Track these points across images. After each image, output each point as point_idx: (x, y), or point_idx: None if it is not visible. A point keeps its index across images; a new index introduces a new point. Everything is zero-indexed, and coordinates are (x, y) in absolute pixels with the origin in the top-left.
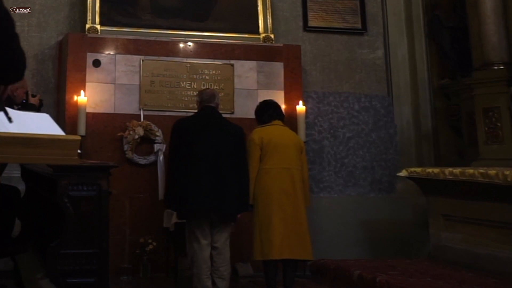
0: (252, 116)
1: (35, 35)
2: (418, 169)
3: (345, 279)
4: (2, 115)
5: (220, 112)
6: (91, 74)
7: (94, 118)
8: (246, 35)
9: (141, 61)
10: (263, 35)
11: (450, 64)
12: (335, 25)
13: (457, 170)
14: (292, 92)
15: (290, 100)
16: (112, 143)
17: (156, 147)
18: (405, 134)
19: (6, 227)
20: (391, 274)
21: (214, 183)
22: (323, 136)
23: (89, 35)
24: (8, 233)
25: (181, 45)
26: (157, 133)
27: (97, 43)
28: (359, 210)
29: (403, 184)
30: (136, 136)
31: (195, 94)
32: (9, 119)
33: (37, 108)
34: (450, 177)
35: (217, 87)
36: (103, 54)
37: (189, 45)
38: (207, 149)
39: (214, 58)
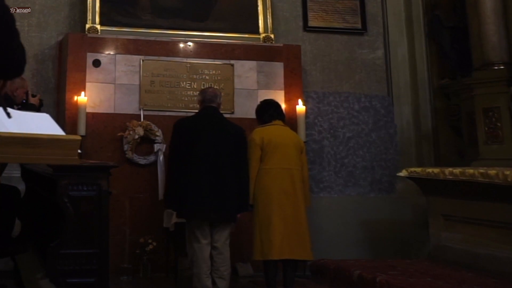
0: (252, 116)
1: (35, 35)
2: (418, 169)
3: (345, 279)
4: (2, 115)
5: (221, 112)
6: (91, 74)
7: (94, 118)
8: (246, 35)
9: (141, 61)
10: (263, 35)
11: (450, 64)
12: (335, 25)
13: (457, 170)
14: (292, 92)
15: (290, 100)
16: (112, 143)
17: (156, 147)
18: (405, 134)
19: (6, 227)
20: (391, 274)
21: (214, 183)
22: (323, 136)
23: (89, 35)
24: (8, 233)
25: (181, 45)
26: (157, 133)
27: (97, 43)
28: (359, 210)
29: (403, 184)
30: (136, 136)
31: (195, 94)
32: (8, 115)
33: (37, 108)
34: (450, 177)
35: (217, 87)
36: (103, 54)
37: (189, 45)
38: (207, 149)
39: (214, 58)
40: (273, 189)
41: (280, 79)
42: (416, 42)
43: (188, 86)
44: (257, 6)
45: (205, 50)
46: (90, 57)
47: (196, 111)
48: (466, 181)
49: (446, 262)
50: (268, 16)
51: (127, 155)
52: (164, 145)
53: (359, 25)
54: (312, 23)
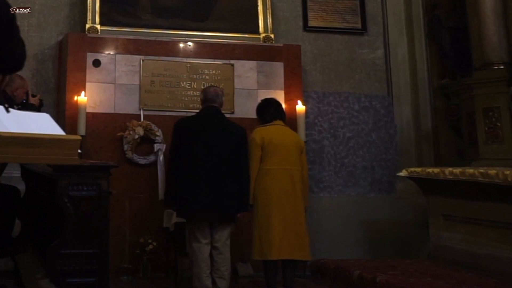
0: (252, 116)
1: (35, 35)
2: (418, 169)
3: (345, 279)
4: (2, 115)
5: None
6: (91, 74)
7: (94, 118)
8: (246, 35)
9: (141, 61)
10: (263, 35)
11: (450, 64)
12: (335, 25)
13: (457, 170)
14: (292, 92)
15: (290, 100)
16: (112, 143)
17: (156, 147)
18: (405, 134)
19: (6, 227)
20: (391, 274)
21: (214, 183)
22: (323, 136)
23: (89, 35)
24: (8, 233)
25: (181, 45)
26: (157, 133)
27: (97, 43)
28: (359, 210)
29: (403, 184)
30: (136, 136)
31: (195, 94)
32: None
33: (37, 108)
34: (450, 177)
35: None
36: (103, 54)
37: (189, 45)
38: (207, 149)
39: (214, 58)
40: (273, 189)
41: (280, 79)
42: (416, 42)
43: (188, 86)
44: (257, 6)
45: (205, 50)
46: (90, 57)
47: (197, 111)
48: (466, 181)
49: (446, 262)
50: (268, 16)
51: (127, 155)
52: (164, 145)
53: (359, 25)
54: (312, 23)
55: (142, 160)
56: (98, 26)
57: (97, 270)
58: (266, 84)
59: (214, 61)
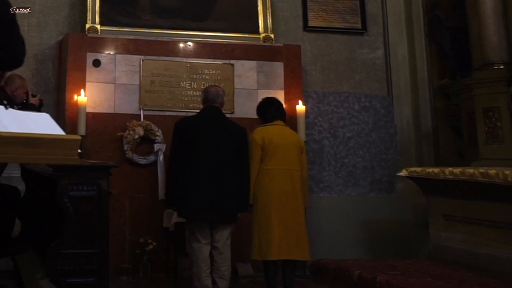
0: (252, 116)
1: (35, 35)
2: (418, 169)
3: (345, 279)
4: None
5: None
6: (91, 74)
7: (94, 118)
8: (246, 35)
9: (141, 61)
10: (263, 35)
11: (450, 64)
12: (335, 25)
13: (457, 170)
14: (292, 92)
15: (290, 100)
16: (112, 143)
17: (156, 147)
18: (405, 134)
19: (6, 227)
20: (391, 274)
21: (215, 183)
22: (323, 136)
23: (89, 35)
24: (8, 233)
25: (181, 45)
26: (157, 133)
27: (97, 43)
28: (359, 210)
29: (403, 184)
30: (136, 136)
31: (195, 94)
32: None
33: (37, 108)
34: (450, 176)
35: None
36: (103, 54)
37: (189, 45)
38: (208, 149)
39: (214, 58)
40: (273, 189)
41: (280, 79)
42: (416, 42)
43: (188, 86)
44: (257, 6)
45: (205, 50)
46: (90, 57)
47: (197, 111)
48: (466, 181)
49: (446, 262)
50: (268, 16)
51: (127, 155)
52: (164, 145)
53: (359, 25)
54: (312, 23)
55: (142, 160)
56: (98, 26)
57: (97, 270)
58: (266, 84)
59: (214, 61)
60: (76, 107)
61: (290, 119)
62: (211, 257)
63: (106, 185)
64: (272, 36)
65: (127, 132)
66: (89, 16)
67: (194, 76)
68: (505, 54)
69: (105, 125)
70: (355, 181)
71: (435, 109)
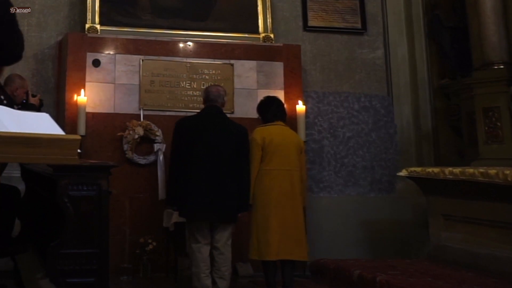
0: (252, 115)
1: (35, 35)
2: (418, 169)
3: (345, 279)
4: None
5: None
6: (91, 74)
7: (94, 118)
8: (246, 35)
9: (141, 61)
10: (263, 35)
11: (450, 64)
12: (335, 25)
13: (457, 170)
14: (292, 92)
15: (290, 100)
16: (112, 143)
17: (156, 147)
18: (405, 134)
19: (6, 227)
20: (391, 274)
21: (215, 183)
22: (323, 136)
23: (89, 35)
24: (8, 233)
25: (181, 45)
26: (157, 133)
27: (97, 43)
28: (359, 210)
29: (403, 184)
30: (136, 136)
31: (195, 94)
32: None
33: (37, 108)
34: (450, 176)
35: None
36: (103, 54)
37: (189, 45)
38: (208, 149)
39: (214, 58)
40: (273, 190)
41: (280, 79)
42: (416, 42)
43: (188, 86)
44: (257, 6)
45: (205, 50)
46: (90, 57)
47: (197, 110)
48: (466, 180)
49: (446, 262)
50: (268, 16)
51: (127, 155)
52: (164, 145)
53: (359, 25)
54: (312, 23)
55: (142, 160)
56: (98, 26)
57: (97, 270)
58: (266, 84)
59: (214, 61)
60: (76, 107)
61: (290, 119)
62: (211, 257)
63: (106, 185)
64: (272, 36)
65: (127, 132)
66: (89, 16)
67: (194, 76)
68: (505, 54)
69: (105, 125)
70: (355, 181)
71: (435, 109)
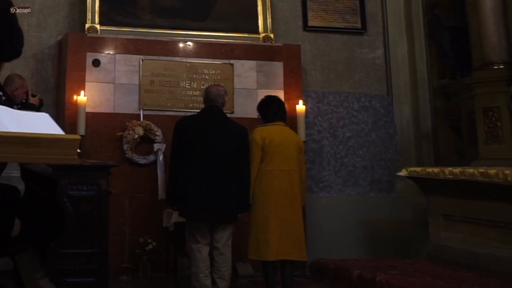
0: (252, 115)
1: (35, 34)
2: (418, 169)
3: (345, 279)
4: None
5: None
6: (91, 73)
7: (93, 118)
8: (246, 35)
9: (140, 60)
10: (263, 35)
11: (450, 64)
12: (335, 24)
13: (457, 170)
14: (292, 92)
15: (290, 100)
16: (111, 142)
17: (156, 146)
18: (405, 134)
19: (6, 227)
20: (391, 274)
21: (215, 183)
22: (323, 135)
23: (88, 34)
24: (8, 233)
25: (181, 45)
26: (157, 133)
27: (96, 43)
28: (359, 210)
29: (403, 183)
30: (136, 136)
31: (195, 93)
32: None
33: (37, 108)
34: (450, 176)
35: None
36: (102, 54)
37: (189, 45)
38: (208, 148)
39: (214, 58)
40: (272, 190)
41: (280, 79)
42: (416, 42)
43: (187, 85)
44: (257, 6)
45: (205, 50)
46: (90, 57)
47: (196, 110)
48: (466, 180)
49: (446, 262)
50: (267, 16)
51: (126, 155)
52: (164, 145)
53: (358, 25)
54: (312, 22)
55: (141, 160)
56: (98, 26)
57: (97, 270)
58: (265, 83)
59: (213, 61)
60: (76, 107)
61: (290, 119)
62: (211, 257)
63: (106, 184)
64: (271, 36)
65: (126, 132)
66: (89, 16)
67: (194, 76)
68: (505, 54)
69: (105, 125)
70: (354, 181)
71: (435, 109)
